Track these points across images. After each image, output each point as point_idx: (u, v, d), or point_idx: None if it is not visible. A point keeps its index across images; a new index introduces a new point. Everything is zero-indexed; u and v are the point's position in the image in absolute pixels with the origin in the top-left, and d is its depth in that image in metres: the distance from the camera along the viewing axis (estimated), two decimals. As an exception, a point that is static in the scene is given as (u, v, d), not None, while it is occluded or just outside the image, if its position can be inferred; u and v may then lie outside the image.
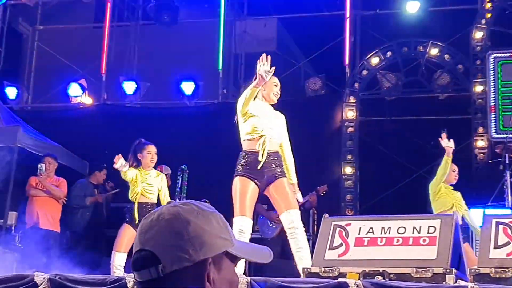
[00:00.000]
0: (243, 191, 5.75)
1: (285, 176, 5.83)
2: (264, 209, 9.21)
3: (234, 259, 1.44)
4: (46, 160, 9.45)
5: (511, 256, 4.64)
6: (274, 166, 5.79)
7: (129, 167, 7.19)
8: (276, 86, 6.03)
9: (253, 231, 6.01)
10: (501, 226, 4.87)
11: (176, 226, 1.38)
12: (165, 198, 7.28)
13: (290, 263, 6.46)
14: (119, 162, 7.05)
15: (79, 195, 10.24)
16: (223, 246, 1.41)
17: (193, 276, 1.37)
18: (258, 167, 5.71)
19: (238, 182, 5.77)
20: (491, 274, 4.50)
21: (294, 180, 6.04)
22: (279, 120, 6.01)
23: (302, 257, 5.54)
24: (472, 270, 4.58)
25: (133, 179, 7.18)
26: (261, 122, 5.81)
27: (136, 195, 7.15)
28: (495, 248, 4.72)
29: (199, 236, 1.38)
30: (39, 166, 9.32)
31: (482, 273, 4.54)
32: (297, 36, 14.30)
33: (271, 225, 9.26)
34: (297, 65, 13.00)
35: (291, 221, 5.68)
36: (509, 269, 4.48)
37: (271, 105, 6.03)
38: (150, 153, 7.24)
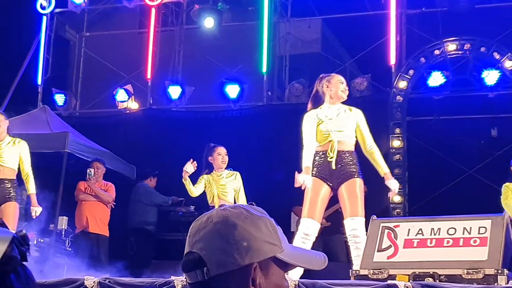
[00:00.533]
0: (314, 193, 5.77)
1: (359, 177, 5.77)
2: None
3: (285, 265, 1.42)
4: (94, 165, 9.57)
5: None
6: (347, 166, 5.76)
7: (203, 174, 7.32)
8: (342, 83, 6.01)
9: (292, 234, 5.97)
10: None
11: (223, 230, 1.38)
12: (239, 198, 7.32)
13: (335, 265, 6.41)
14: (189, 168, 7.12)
15: (158, 195, 10.43)
16: (270, 252, 1.39)
17: (238, 280, 1.37)
18: (332, 168, 5.71)
19: (310, 186, 5.79)
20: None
21: (386, 170, 5.98)
22: (350, 117, 5.95)
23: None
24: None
25: (206, 186, 7.30)
26: (328, 126, 5.81)
27: (213, 197, 7.22)
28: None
29: (245, 240, 1.37)
30: (87, 171, 9.45)
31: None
32: (342, 36, 14.20)
33: None
34: (342, 66, 12.90)
35: (353, 228, 5.64)
36: None
37: (343, 102, 6.03)
38: (220, 154, 7.38)
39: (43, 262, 9.36)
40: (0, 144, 7.23)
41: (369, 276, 4.91)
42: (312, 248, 1.50)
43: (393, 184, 5.97)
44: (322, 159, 5.81)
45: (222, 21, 12.42)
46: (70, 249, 9.77)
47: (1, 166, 7.14)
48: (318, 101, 6.04)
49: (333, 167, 5.73)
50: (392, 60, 11.60)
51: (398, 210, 10.68)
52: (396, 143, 11.02)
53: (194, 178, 7.47)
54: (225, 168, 7.47)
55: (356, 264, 5.50)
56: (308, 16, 13.35)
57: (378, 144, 11.03)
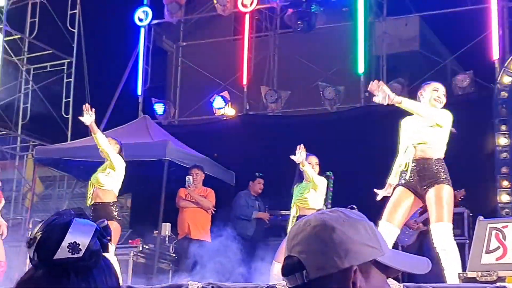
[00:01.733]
0: (397, 199, 5.67)
1: (442, 183, 5.57)
2: None
3: (386, 269, 1.39)
4: (193, 171, 9.69)
5: None
6: (428, 173, 5.60)
7: (294, 186, 7.37)
8: (436, 90, 5.82)
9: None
10: None
11: (321, 233, 1.37)
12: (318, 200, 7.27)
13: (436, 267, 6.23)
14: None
15: (245, 205, 10.41)
16: (370, 255, 1.37)
17: (337, 283, 1.35)
18: (412, 176, 5.60)
19: (395, 192, 5.74)
20: None
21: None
22: (431, 127, 5.77)
23: (452, 271, 5.33)
24: None
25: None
26: (407, 135, 5.74)
27: (294, 208, 7.27)
28: None
29: (344, 243, 1.36)
30: (186, 178, 9.58)
31: None
32: (441, 33, 13.87)
33: (407, 232, 8.95)
34: (443, 63, 12.57)
35: (438, 235, 5.47)
36: None
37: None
38: (310, 163, 7.31)
39: (148, 268, 9.59)
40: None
41: (477, 278, 4.75)
42: (406, 252, 1.48)
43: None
44: (406, 167, 5.70)
45: (316, 24, 12.36)
46: (174, 255, 9.95)
47: (98, 188, 7.25)
48: None
49: (416, 176, 5.58)
50: (495, 55, 11.22)
51: (507, 210, 10.28)
52: (503, 141, 10.63)
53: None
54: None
55: (446, 271, 5.33)
56: (404, 14, 13.12)
57: (483, 142, 10.77)
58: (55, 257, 1.31)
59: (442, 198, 5.51)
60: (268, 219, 10.30)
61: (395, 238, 5.68)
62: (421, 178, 5.59)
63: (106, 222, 1.42)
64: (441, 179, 5.56)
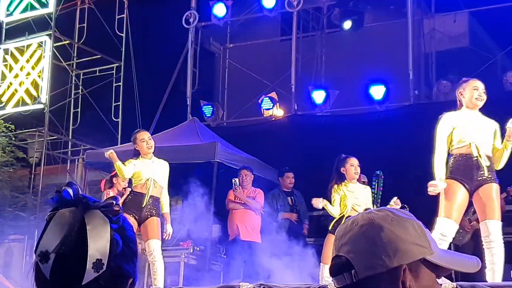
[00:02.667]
0: (452, 193, 5.54)
1: (495, 182, 5.53)
2: None
3: (436, 268, 1.38)
4: (242, 172, 9.68)
5: None
6: (483, 171, 5.51)
7: (334, 183, 7.26)
8: (476, 89, 5.68)
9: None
10: None
11: (369, 232, 1.37)
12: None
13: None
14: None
15: (269, 207, 10.33)
16: (420, 254, 1.36)
17: (387, 283, 1.34)
18: (471, 172, 5.50)
19: (448, 186, 5.58)
20: None
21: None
22: (488, 127, 5.68)
23: (494, 270, 5.21)
24: None
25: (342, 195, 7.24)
26: (467, 130, 5.59)
27: (346, 208, 7.17)
28: None
29: (393, 242, 1.36)
30: (232, 181, 9.58)
31: None
32: (491, 28, 13.62)
33: (461, 231, 8.79)
34: (493, 59, 12.34)
35: (489, 232, 5.38)
36: None
37: (479, 110, 5.75)
38: (353, 165, 7.27)
39: (200, 269, 9.64)
40: (151, 162, 7.32)
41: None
42: (462, 253, 1.44)
43: None
44: (461, 161, 5.59)
45: (364, 22, 12.27)
46: (224, 256, 9.98)
47: (156, 183, 7.26)
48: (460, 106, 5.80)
49: (473, 171, 5.47)
50: (548, 49, 10.98)
51: None
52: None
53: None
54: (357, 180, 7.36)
55: (488, 270, 5.21)
56: (453, 10, 12.94)
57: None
58: (83, 283, 1.24)
59: (492, 197, 5.48)
60: (296, 219, 10.19)
61: (454, 234, 5.60)
62: (478, 176, 5.50)
63: (114, 202, 1.31)
64: (492, 178, 5.54)
